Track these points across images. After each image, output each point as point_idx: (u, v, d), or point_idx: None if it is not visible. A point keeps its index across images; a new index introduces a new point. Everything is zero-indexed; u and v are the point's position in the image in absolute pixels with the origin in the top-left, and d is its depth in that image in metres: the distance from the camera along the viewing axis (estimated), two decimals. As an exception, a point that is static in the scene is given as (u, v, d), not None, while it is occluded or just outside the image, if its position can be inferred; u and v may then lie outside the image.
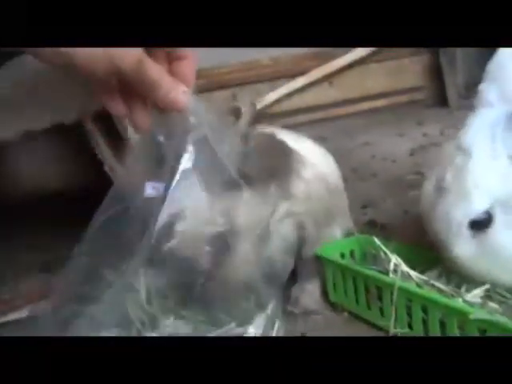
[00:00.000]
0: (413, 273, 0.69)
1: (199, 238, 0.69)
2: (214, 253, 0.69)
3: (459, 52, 2.31)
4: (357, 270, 0.77)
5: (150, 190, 0.62)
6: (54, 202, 1.21)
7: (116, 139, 0.76)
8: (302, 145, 0.83)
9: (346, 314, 0.82)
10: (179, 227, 0.66)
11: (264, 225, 0.74)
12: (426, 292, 0.69)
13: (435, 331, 0.66)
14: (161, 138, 0.62)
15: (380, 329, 0.75)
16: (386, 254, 0.73)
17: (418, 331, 0.69)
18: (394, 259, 0.71)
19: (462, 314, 0.62)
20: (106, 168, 0.71)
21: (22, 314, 0.73)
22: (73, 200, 1.09)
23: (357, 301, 0.79)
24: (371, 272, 0.75)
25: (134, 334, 0.64)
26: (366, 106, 2.41)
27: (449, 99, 2.34)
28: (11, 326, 0.73)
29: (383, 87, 2.43)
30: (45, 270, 0.82)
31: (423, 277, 0.70)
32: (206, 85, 2.06)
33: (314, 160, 0.83)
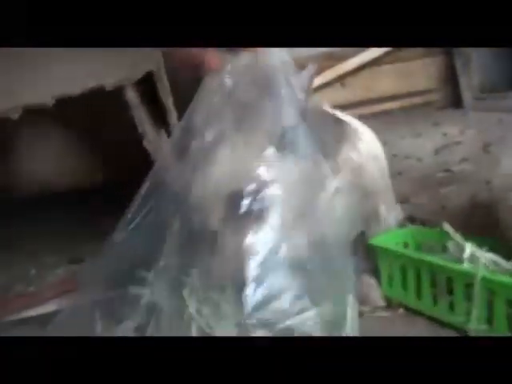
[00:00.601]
0: (498, 259, 0.61)
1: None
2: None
3: (474, 53, 2.27)
4: (423, 260, 0.69)
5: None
6: (67, 197, 1.13)
7: (156, 111, 0.69)
8: (355, 121, 0.76)
9: (401, 310, 0.74)
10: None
11: (309, 199, 0.65)
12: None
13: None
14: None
15: (446, 326, 0.67)
16: (457, 242, 0.66)
17: (500, 328, 0.61)
18: (470, 247, 0.63)
19: None
20: (145, 143, 0.63)
21: (49, 307, 0.65)
22: (88, 194, 1.03)
23: (418, 295, 0.71)
24: (443, 261, 0.67)
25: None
26: (378, 107, 2.36)
27: (464, 101, 2.29)
28: (37, 322, 0.64)
29: (396, 89, 2.38)
30: (74, 262, 0.74)
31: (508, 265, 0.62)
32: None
33: (368, 137, 0.76)
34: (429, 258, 0.69)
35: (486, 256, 0.63)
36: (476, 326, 0.63)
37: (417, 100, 2.36)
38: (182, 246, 0.60)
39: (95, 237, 0.75)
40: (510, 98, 2.08)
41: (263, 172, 0.61)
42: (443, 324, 0.68)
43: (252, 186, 0.60)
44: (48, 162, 1.45)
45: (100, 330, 0.60)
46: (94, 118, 1.39)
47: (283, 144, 0.62)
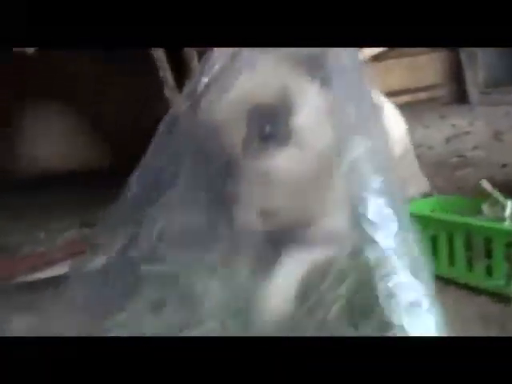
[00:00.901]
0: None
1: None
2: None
3: (479, 48, 2.27)
4: (457, 223, 0.65)
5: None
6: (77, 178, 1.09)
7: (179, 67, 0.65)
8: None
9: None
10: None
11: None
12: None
13: None
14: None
15: (482, 292, 0.64)
16: (496, 200, 0.62)
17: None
18: (511, 204, 0.60)
19: None
20: (166, 91, 0.60)
21: (58, 270, 0.61)
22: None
23: (451, 262, 0.67)
24: (480, 221, 0.64)
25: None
26: (384, 102, 2.35)
27: (469, 95, 2.28)
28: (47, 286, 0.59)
29: (401, 84, 2.36)
30: (85, 226, 0.70)
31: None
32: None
33: (392, 111, 0.73)
34: (464, 219, 0.65)
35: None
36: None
37: (423, 95, 2.35)
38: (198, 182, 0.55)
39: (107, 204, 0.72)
40: (516, 92, 2.08)
41: (293, 90, 0.54)
42: (479, 291, 0.65)
43: (279, 102, 0.53)
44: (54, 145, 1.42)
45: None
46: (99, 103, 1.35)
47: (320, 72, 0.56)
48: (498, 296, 0.63)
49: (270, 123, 0.52)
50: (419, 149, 1.60)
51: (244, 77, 0.54)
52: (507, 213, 0.61)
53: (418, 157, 1.49)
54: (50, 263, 0.63)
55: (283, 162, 0.52)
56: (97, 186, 0.86)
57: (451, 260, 0.68)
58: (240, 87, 0.53)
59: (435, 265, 0.69)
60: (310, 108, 0.53)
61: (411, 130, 1.77)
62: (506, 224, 0.62)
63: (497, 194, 0.64)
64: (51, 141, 1.52)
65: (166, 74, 0.57)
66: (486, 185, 0.66)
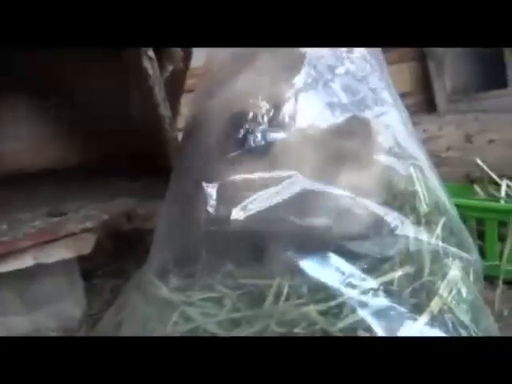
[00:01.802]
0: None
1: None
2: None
3: (446, 57, 2.37)
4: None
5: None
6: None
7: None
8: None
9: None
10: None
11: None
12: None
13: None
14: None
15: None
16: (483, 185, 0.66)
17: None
18: (505, 183, 0.64)
19: None
20: (161, 110, 0.60)
21: (26, 261, 0.58)
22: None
23: None
24: (473, 202, 0.67)
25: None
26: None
27: (438, 104, 2.37)
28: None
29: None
30: (54, 215, 0.66)
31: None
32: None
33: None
34: (457, 200, 0.68)
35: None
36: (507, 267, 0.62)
37: (393, 103, 2.42)
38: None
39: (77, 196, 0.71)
40: (482, 100, 2.18)
41: (279, 96, 0.52)
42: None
43: (261, 111, 0.51)
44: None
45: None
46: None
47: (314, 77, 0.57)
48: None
49: (250, 133, 0.51)
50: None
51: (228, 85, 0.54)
52: (502, 192, 0.65)
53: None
54: (15, 252, 0.60)
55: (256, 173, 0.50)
56: (66, 180, 0.84)
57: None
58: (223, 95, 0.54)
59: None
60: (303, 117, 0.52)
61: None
62: (501, 203, 0.65)
63: (490, 173, 0.68)
64: (19, 137, 1.47)
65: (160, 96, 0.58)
66: (479, 162, 0.70)
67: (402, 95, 2.76)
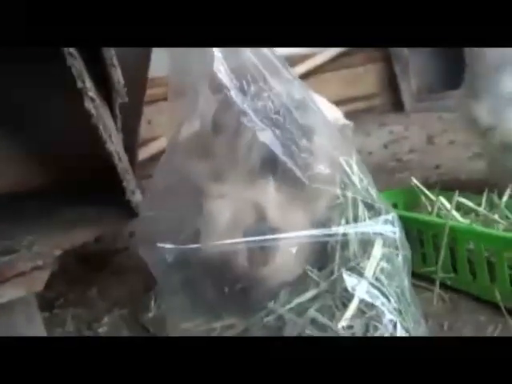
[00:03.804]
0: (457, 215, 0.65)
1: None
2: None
3: (411, 58, 2.42)
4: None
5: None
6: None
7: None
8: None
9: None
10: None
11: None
12: (470, 226, 0.65)
13: (482, 270, 0.62)
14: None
15: (421, 277, 0.70)
16: (429, 197, 0.69)
17: (464, 274, 0.65)
18: (440, 202, 0.67)
19: (504, 240, 0.59)
20: (86, 103, 0.60)
21: None
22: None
23: None
24: (412, 214, 0.70)
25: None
26: (325, 113, 2.44)
27: (404, 103, 2.42)
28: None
29: (340, 95, 2.47)
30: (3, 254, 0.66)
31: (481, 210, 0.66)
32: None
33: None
34: (401, 212, 0.72)
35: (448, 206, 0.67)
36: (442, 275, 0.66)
37: (361, 105, 2.47)
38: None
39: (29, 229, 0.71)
40: (446, 99, 2.22)
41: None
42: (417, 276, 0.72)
43: None
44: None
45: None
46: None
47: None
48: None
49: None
50: (360, 154, 1.70)
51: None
52: (435, 210, 0.68)
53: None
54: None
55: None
56: (18, 210, 0.83)
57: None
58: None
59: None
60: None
61: (353, 138, 1.86)
62: (434, 217, 0.69)
63: (426, 192, 0.71)
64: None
65: (86, 84, 0.58)
66: (415, 182, 0.73)
67: (370, 96, 2.81)
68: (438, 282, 0.66)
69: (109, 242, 1.17)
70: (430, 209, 0.75)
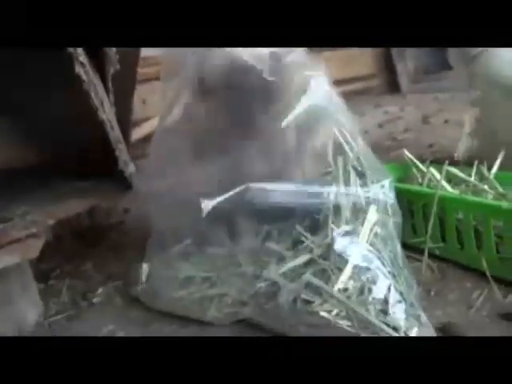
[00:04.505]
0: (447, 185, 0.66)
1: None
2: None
3: (407, 40, 2.40)
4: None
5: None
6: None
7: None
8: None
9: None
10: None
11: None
12: (455, 194, 0.66)
13: (469, 238, 0.63)
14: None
15: (411, 248, 0.71)
16: (421, 170, 0.70)
17: (453, 243, 0.66)
18: (430, 172, 0.68)
19: (492, 208, 0.59)
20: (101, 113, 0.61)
21: None
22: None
23: None
24: (403, 185, 0.71)
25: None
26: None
27: (401, 85, 2.41)
28: None
29: (338, 74, 2.46)
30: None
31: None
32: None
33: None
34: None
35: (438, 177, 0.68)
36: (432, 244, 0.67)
37: (358, 85, 2.46)
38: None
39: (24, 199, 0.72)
40: (442, 80, 2.22)
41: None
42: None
43: None
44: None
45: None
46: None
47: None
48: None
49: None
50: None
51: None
52: (425, 181, 0.69)
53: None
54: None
55: None
56: (13, 182, 0.84)
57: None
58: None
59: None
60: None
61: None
62: (423, 188, 0.70)
63: (417, 164, 0.72)
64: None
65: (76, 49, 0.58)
66: (407, 154, 0.74)
67: (367, 77, 2.79)
68: (426, 252, 0.67)
69: (103, 217, 1.18)
70: (420, 180, 0.76)
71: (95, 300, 0.76)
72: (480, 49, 0.73)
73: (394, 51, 2.43)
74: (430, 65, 2.36)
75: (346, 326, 0.51)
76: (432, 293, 0.61)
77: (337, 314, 0.52)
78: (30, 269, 0.71)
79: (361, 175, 0.62)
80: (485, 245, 0.62)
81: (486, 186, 0.69)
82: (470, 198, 0.66)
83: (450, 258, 0.68)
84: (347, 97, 2.21)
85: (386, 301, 0.52)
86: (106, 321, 0.69)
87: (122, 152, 0.70)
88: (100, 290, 0.79)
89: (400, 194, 0.71)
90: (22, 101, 0.85)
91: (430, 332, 0.51)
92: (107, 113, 0.68)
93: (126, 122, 1.10)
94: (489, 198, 0.67)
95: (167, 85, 0.77)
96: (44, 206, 0.70)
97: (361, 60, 2.50)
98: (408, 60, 2.43)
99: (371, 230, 0.57)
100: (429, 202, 0.67)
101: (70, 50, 0.59)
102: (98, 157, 0.77)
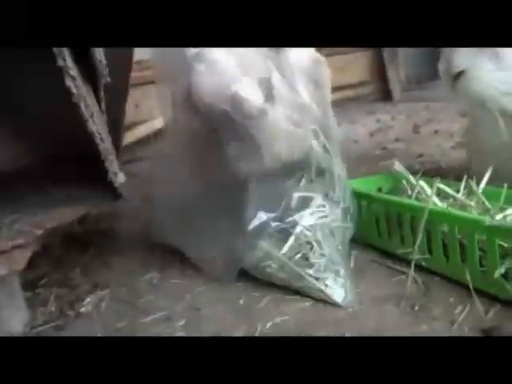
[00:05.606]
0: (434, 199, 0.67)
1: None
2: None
3: (400, 48, 2.43)
4: (378, 198, 0.75)
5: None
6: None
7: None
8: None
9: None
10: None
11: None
12: (443, 208, 0.67)
13: (454, 251, 0.64)
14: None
15: (398, 259, 0.72)
16: (410, 182, 0.71)
17: (438, 256, 0.67)
18: (420, 186, 0.69)
19: (476, 224, 0.60)
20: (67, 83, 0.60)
21: None
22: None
23: (378, 233, 0.77)
24: (393, 198, 0.72)
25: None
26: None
27: (393, 93, 2.43)
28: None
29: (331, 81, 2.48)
30: None
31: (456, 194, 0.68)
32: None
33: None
34: (383, 196, 0.74)
35: (428, 191, 0.69)
36: (418, 256, 0.68)
37: (351, 93, 2.48)
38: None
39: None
40: (433, 88, 2.24)
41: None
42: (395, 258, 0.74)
43: None
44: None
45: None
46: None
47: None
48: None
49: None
50: (345, 143, 1.71)
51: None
52: (414, 193, 0.70)
53: (344, 152, 1.60)
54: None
55: None
56: (5, 188, 0.84)
57: (378, 230, 0.78)
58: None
59: (367, 234, 0.80)
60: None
61: (339, 125, 1.86)
62: (413, 201, 0.70)
63: (408, 176, 0.73)
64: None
65: (66, 62, 0.58)
66: (399, 166, 0.75)
67: (360, 84, 2.82)
68: (412, 265, 0.68)
69: (93, 224, 1.17)
70: (410, 193, 0.77)
71: (83, 310, 0.76)
72: (460, 68, 0.74)
73: (387, 59, 2.45)
74: (421, 74, 2.39)
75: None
76: (416, 307, 0.62)
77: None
78: (17, 278, 0.71)
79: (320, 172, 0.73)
80: (469, 259, 0.63)
81: (472, 202, 0.70)
82: (455, 212, 0.66)
83: (435, 269, 0.69)
84: (340, 103, 2.24)
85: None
86: (93, 331, 0.69)
87: (111, 164, 0.70)
88: (88, 299, 0.79)
89: (389, 206, 0.73)
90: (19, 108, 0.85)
91: (346, 284, 0.67)
92: (97, 124, 0.68)
93: (117, 128, 1.10)
94: (474, 213, 0.68)
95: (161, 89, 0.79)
96: (32, 215, 0.69)
97: (354, 67, 2.52)
98: (400, 68, 2.45)
99: (312, 213, 0.70)
100: (417, 215, 0.68)
101: (61, 63, 0.59)
102: (89, 165, 0.77)
